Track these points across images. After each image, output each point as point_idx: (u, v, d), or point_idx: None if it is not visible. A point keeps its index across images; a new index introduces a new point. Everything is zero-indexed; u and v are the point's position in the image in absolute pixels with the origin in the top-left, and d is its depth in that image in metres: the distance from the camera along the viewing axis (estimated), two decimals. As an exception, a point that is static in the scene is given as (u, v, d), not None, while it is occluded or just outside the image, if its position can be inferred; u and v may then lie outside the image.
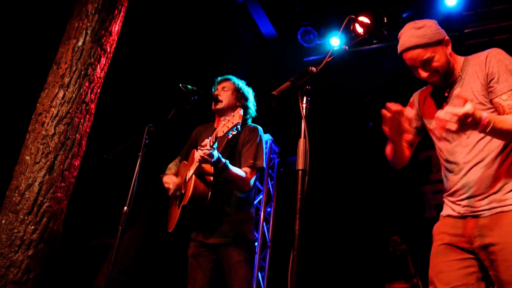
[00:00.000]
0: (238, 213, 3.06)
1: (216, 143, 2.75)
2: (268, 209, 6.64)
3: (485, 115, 1.80)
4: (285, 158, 7.00)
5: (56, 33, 3.97)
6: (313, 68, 1.95)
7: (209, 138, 2.75)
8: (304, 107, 1.90)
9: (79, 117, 3.62)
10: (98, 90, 3.85)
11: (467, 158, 2.16)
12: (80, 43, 3.74)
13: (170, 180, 3.17)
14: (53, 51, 3.85)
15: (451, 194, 2.24)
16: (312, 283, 5.82)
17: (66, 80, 3.62)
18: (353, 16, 2.35)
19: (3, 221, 3.23)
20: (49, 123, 3.49)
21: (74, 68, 3.66)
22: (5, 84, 4.84)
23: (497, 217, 2.03)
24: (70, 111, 3.57)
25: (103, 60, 3.86)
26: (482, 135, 2.08)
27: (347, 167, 6.81)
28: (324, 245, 6.38)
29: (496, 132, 1.89)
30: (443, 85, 2.28)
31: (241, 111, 2.57)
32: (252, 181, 3.06)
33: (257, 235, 6.19)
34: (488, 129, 1.82)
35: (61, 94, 3.58)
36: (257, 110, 3.43)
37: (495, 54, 2.18)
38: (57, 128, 3.49)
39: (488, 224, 2.05)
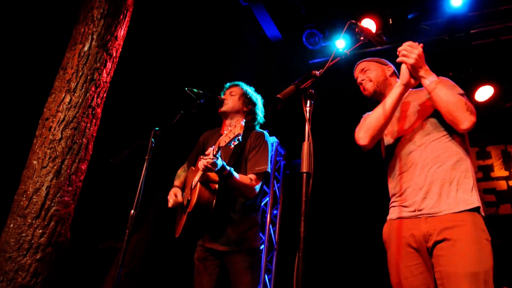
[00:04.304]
0: (243, 220, 3.03)
1: (220, 152, 2.74)
2: (275, 212, 6.62)
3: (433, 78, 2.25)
4: (291, 161, 6.98)
5: (62, 39, 4.00)
6: (316, 71, 1.95)
7: (213, 147, 2.74)
8: (307, 111, 1.89)
9: (85, 121, 3.65)
10: (104, 95, 3.87)
11: (423, 158, 2.32)
12: (86, 48, 3.77)
13: (172, 198, 3.16)
14: (60, 56, 3.88)
15: (401, 196, 2.36)
16: (318, 285, 5.81)
17: (73, 85, 3.65)
18: (354, 21, 2.35)
19: (12, 225, 3.26)
20: (56, 128, 3.52)
21: (80, 73, 3.69)
22: (12, 89, 4.89)
23: (450, 216, 2.16)
24: (77, 115, 3.60)
25: (109, 64, 3.89)
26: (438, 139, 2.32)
27: (352, 169, 6.79)
28: (330, 247, 6.36)
29: (438, 91, 2.20)
30: (374, 101, 2.62)
31: (243, 122, 2.53)
32: (257, 188, 3.02)
33: (263, 238, 6.18)
34: (434, 85, 2.20)
35: (67, 99, 3.61)
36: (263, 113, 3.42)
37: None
38: (64, 132, 3.52)
39: (442, 221, 2.16)
